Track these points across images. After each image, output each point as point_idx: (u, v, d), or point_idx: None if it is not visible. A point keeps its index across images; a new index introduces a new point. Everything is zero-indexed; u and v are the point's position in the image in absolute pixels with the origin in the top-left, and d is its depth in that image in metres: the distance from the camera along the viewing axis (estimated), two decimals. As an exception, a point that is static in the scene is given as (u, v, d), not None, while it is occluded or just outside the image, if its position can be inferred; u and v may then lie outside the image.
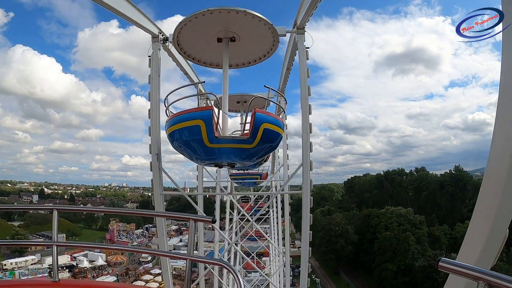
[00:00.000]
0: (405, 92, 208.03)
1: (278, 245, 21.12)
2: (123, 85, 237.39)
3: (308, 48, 8.11)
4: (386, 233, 59.76)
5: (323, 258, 68.74)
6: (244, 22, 7.01)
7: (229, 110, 7.75)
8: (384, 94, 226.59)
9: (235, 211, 20.34)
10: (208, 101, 11.64)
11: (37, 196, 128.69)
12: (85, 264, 61.82)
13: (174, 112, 6.52)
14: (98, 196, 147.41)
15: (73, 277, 54.70)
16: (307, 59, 8.07)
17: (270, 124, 6.21)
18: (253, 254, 23.71)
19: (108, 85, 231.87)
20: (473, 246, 4.39)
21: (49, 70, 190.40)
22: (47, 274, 52.95)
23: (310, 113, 8.02)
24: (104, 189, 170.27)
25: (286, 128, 10.53)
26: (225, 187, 17.51)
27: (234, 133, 7.41)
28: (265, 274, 15.56)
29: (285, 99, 8.01)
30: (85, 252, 66.76)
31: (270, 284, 17.92)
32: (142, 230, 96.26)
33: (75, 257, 64.96)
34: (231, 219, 21.66)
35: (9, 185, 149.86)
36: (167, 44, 8.46)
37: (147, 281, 51.62)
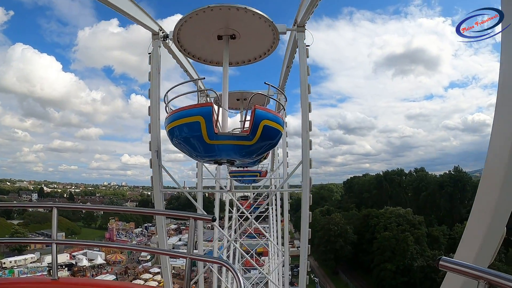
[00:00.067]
0: (404, 93, 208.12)
1: (277, 243, 21.13)
2: (123, 84, 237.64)
3: (309, 46, 8.11)
4: (385, 233, 59.88)
5: (322, 258, 68.86)
6: (244, 19, 7.01)
7: (229, 108, 7.77)
8: (384, 95, 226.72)
9: (235, 208, 20.37)
10: (208, 98, 11.65)
11: (37, 194, 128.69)
12: (84, 262, 61.84)
13: (174, 109, 6.52)
14: (97, 195, 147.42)
15: (72, 275, 54.65)
16: (307, 57, 8.07)
17: (270, 121, 6.21)
18: (252, 252, 23.73)
19: (108, 84, 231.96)
20: (471, 244, 4.39)
21: (49, 69, 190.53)
22: (46, 273, 52.94)
23: (310, 111, 8.02)
24: (104, 188, 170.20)
25: (286, 126, 10.55)
26: (225, 186, 17.59)
27: (234, 130, 7.40)
28: (264, 272, 15.58)
29: (285, 96, 8.02)
30: (84, 250, 66.74)
31: (269, 281, 17.93)
32: (141, 229, 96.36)
33: (74, 256, 64.93)
34: (230, 217, 21.72)
35: (9, 183, 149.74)
36: (167, 41, 8.47)
37: (146, 280, 51.62)
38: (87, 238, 78.43)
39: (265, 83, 6.49)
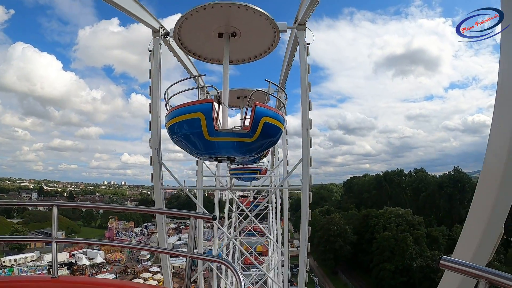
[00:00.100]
0: (405, 93, 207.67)
1: (276, 241, 21.15)
2: (123, 83, 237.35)
3: (309, 44, 8.14)
4: (385, 233, 59.92)
5: (322, 258, 68.90)
6: (245, 17, 7.02)
7: (229, 105, 7.79)
8: (384, 95, 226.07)
9: (234, 206, 20.41)
10: (208, 96, 11.66)
11: (36, 193, 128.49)
12: (84, 261, 61.94)
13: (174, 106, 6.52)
14: (97, 194, 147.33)
15: (72, 274, 54.70)
16: (308, 55, 8.11)
17: (270, 118, 6.21)
18: (251, 250, 23.76)
19: (108, 83, 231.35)
20: (469, 242, 4.41)
21: (50, 68, 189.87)
22: (46, 271, 52.98)
23: (310, 109, 8.05)
24: (103, 187, 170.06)
25: (286, 124, 10.57)
26: (225, 185, 17.59)
27: (234, 128, 7.41)
28: (264, 270, 15.57)
29: (285, 94, 8.04)
30: (84, 249, 66.85)
31: (269, 279, 17.93)
32: (141, 228, 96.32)
33: (74, 255, 65.01)
34: (230, 215, 21.72)
35: (8, 182, 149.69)
36: (168, 39, 8.49)
37: (145, 279, 51.64)
38: (87, 237, 78.37)
39: (265, 80, 6.49)
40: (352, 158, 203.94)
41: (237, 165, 13.76)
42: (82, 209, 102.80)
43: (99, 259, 64.71)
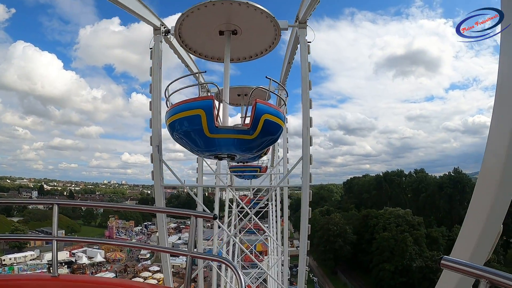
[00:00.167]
0: (405, 94, 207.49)
1: (276, 238, 21.15)
2: (123, 82, 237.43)
3: (310, 42, 8.14)
4: (384, 233, 59.96)
5: (321, 258, 68.94)
6: (246, 15, 7.02)
7: (229, 103, 7.79)
8: (384, 96, 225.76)
9: (234, 204, 20.42)
10: (209, 93, 11.67)
11: (37, 192, 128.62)
12: (84, 260, 62.02)
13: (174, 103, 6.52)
14: (97, 193, 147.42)
15: (72, 273, 54.77)
16: (309, 53, 8.12)
17: (271, 115, 6.20)
18: (251, 247, 23.78)
19: (108, 83, 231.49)
20: (468, 241, 4.42)
21: (50, 67, 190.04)
22: (45, 270, 53.04)
23: (310, 107, 8.07)
24: (104, 186, 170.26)
25: (287, 122, 10.59)
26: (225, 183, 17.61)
27: (235, 125, 7.41)
28: (264, 268, 15.60)
29: (286, 91, 8.04)
30: (84, 248, 66.98)
31: (269, 277, 17.92)
32: (141, 227, 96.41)
33: (74, 253, 65.11)
34: (230, 212, 21.73)
35: (9, 181, 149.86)
36: (168, 36, 8.49)
37: (145, 278, 51.68)
38: (87, 236, 78.44)
39: (266, 77, 6.48)
40: (352, 159, 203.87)
41: (237, 162, 13.78)
42: (82, 208, 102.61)
43: (99, 258, 64.79)
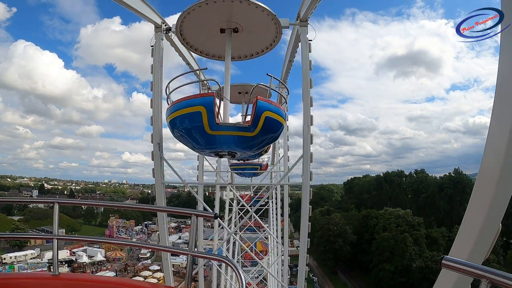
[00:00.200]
0: (406, 94, 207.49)
1: (276, 236, 21.15)
2: (124, 82, 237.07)
3: (311, 40, 8.15)
4: (384, 233, 59.97)
5: (321, 258, 68.90)
6: (247, 12, 7.02)
7: (230, 101, 7.81)
8: (385, 96, 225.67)
9: (235, 202, 20.43)
10: (210, 91, 11.67)
11: (37, 191, 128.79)
12: (84, 259, 62.12)
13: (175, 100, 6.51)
14: (97, 192, 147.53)
15: (72, 271, 54.83)
16: (310, 51, 8.12)
17: (272, 112, 6.19)
18: (251, 245, 23.80)
19: (109, 82, 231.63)
20: (466, 239, 4.43)
21: (51, 66, 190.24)
22: (46, 269, 53.10)
23: (311, 105, 8.08)
24: (104, 185, 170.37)
25: (287, 120, 10.59)
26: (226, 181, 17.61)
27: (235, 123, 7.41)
28: (264, 266, 15.62)
29: (287, 89, 8.05)
30: (85, 247, 67.10)
31: (269, 275, 17.91)
32: (141, 226, 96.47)
33: (74, 252, 65.21)
34: (230, 210, 21.76)
35: (9, 180, 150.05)
36: (170, 34, 8.50)
37: (145, 277, 51.69)
38: (88, 235, 78.57)
39: (267, 74, 6.47)
40: (352, 159, 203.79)
41: (238, 160, 13.78)
42: (83, 207, 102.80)
43: (99, 257, 64.89)
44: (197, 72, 9.43)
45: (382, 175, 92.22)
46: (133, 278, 44.17)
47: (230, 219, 21.34)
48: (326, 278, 65.18)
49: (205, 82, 11.30)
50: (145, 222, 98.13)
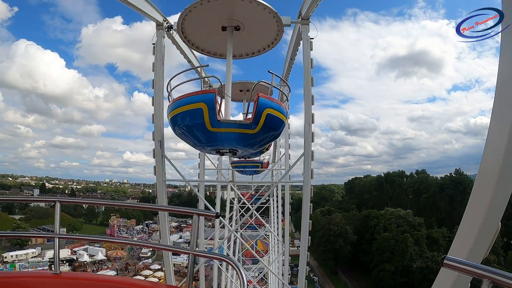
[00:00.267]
0: (407, 95, 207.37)
1: (277, 234, 21.14)
2: (126, 81, 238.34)
3: (313, 39, 8.14)
4: (385, 234, 59.93)
5: (322, 258, 68.97)
6: (249, 10, 7.02)
7: (231, 99, 7.80)
8: (387, 96, 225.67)
9: (236, 199, 20.44)
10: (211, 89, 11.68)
11: (38, 190, 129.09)
12: (85, 258, 62.18)
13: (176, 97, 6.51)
14: (98, 191, 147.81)
15: (73, 270, 54.89)
16: (311, 49, 8.12)
17: (273, 110, 6.18)
18: (252, 243, 23.82)
19: (111, 81, 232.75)
20: (466, 238, 4.43)
21: (52, 65, 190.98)
22: (47, 267, 53.19)
23: (312, 103, 8.07)
24: (105, 185, 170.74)
25: (288, 117, 10.58)
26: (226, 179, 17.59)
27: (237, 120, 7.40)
28: (264, 263, 15.58)
29: (288, 87, 8.05)
30: (85, 246, 67.17)
31: (269, 272, 17.89)
32: (142, 226, 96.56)
33: (75, 251, 65.30)
34: (231, 208, 21.77)
35: (10, 179, 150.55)
36: (171, 32, 8.51)
37: (146, 276, 51.76)
38: (89, 234, 78.65)
39: (269, 71, 6.46)
40: (353, 159, 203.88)
41: (239, 158, 13.77)
42: (84, 206, 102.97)
43: (100, 256, 64.97)
44: (199, 70, 9.44)
45: (383, 175, 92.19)
46: (134, 277, 44.23)
47: (231, 217, 21.34)
48: (326, 278, 65.15)
49: (206, 79, 11.31)
50: (146, 222, 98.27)
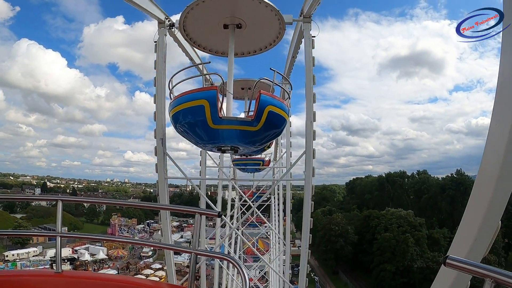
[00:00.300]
0: (409, 95, 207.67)
1: (278, 232, 21.13)
2: (127, 81, 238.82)
3: (314, 37, 8.14)
4: (386, 234, 59.83)
5: (323, 258, 68.89)
6: (250, 8, 7.05)
7: (233, 97, 7.80)
8: (388, 97, 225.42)
9: (237, 197, 20.44)
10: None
11: (40, 189, 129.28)
12: (87, 257, 62.28)
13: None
14: (100, 191, 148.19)
15: (74, 269, 54.96)
16: (313, 48, 8.12)
17: (275, 107, 6.16)
18: (253, 240, 23.81)
19: (112, 81, 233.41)
20: (466, 236, 4.44)
21: (54, 65, 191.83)
22: (48, 266, 53.29)
23: (314, 101, 8.06)
24: (106, 184, 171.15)
25: (290, 115, 10.58)
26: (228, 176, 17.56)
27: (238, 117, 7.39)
28: (265, 260, 15.60)
29: (290, 84, 8.04)
30: (87, 245, 67.26)
31: (270, 270, 17.86)
32: (143, 225, 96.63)
33: (76, 250, 65.39)
34: (232, 205, 21.77)
35: (12, 178, 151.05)
36: (173, 30, 8.53)
37: (147, 276, 51.86)
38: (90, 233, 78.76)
39: (270, 69, 6.44)
40: (355, 159, 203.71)
41: (241, 155, 13.76)
42: (85, 205, 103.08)
43: (101, 255, 65.07)
44: (200, 67, 9.47)
45: (384, 175, 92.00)
46: (135, 276, 44.26)
47: (232, 215, 21.36)
48: (327, 278, 65.11)
49: (208, 77, 11.31)
50: (147, 221, 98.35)
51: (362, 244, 65.78)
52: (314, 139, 8.07)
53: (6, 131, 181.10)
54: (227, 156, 15.78)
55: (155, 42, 8.35)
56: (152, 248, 65.95)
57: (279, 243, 21.48)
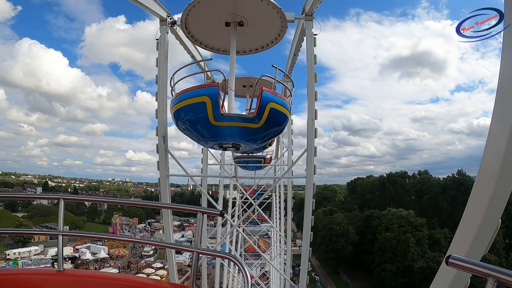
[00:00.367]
0: (410, 95, 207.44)
1: (279, 229, 21.12)
2: (129, 80, 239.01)
3: (316, 35, 8.15)
4: (387, 234, 59.79)
5: (323, 257, 68.89)
6: (252, 6, 7.05)
7: (235, 95, 7.81)
8: (389, 97, 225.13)
9: (238, 195, 20.43)
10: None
11: (41, 188, 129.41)
12: (88, 256, 62.43)
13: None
14: (101, 190, 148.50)
15: (76, 268, 55.12)
16: (315, 46, 8.12)
17: (277, 104, 6.14)
18: (255, 238, 23.83)
19: (114, 80, 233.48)
20: (466, 235, 4.45)
21: (56, 64, 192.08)
22: (49, 265, 53.46)
23: (316, 99, 8.07)
24: (108, 183, 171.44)
25: (292, 113, 10.60)
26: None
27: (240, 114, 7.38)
28: (266, 258, 15.60)
29: (292, 82, 8.04)
30: (88, 244, 67.42)
31: (271, 267, 17.85)
32: (144, 224, 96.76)
33: (77, 249, 65.55)
34: (234, 203, 21.80)
35: (13, 177, 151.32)
36: (175, 27, 8.54)
37: (148, 274, 51.92)
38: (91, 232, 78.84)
39: (272, 65, 6.43)
40: (356, 159, 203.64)
41: (242, 153, 13.77)
42: (86, 204, 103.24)
43: (103, 254, 65.22)
44: (202, 65, 9.47)
45: (385, 175, 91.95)
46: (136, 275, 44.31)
47: (233, 212, 21.40)
48: (328, 278, 65.08)
49: (209, 74, 11.32)
50: (148, 220, 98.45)
51: (363, 244, 65.73)
52: (315, 137, 8.07)
53: (7, 130, 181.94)
54: (228, 155, 15.83)
55: (157, 40, 8.37)
56: (153, 247, 66.01)
57: (280, 241, 21.47)
